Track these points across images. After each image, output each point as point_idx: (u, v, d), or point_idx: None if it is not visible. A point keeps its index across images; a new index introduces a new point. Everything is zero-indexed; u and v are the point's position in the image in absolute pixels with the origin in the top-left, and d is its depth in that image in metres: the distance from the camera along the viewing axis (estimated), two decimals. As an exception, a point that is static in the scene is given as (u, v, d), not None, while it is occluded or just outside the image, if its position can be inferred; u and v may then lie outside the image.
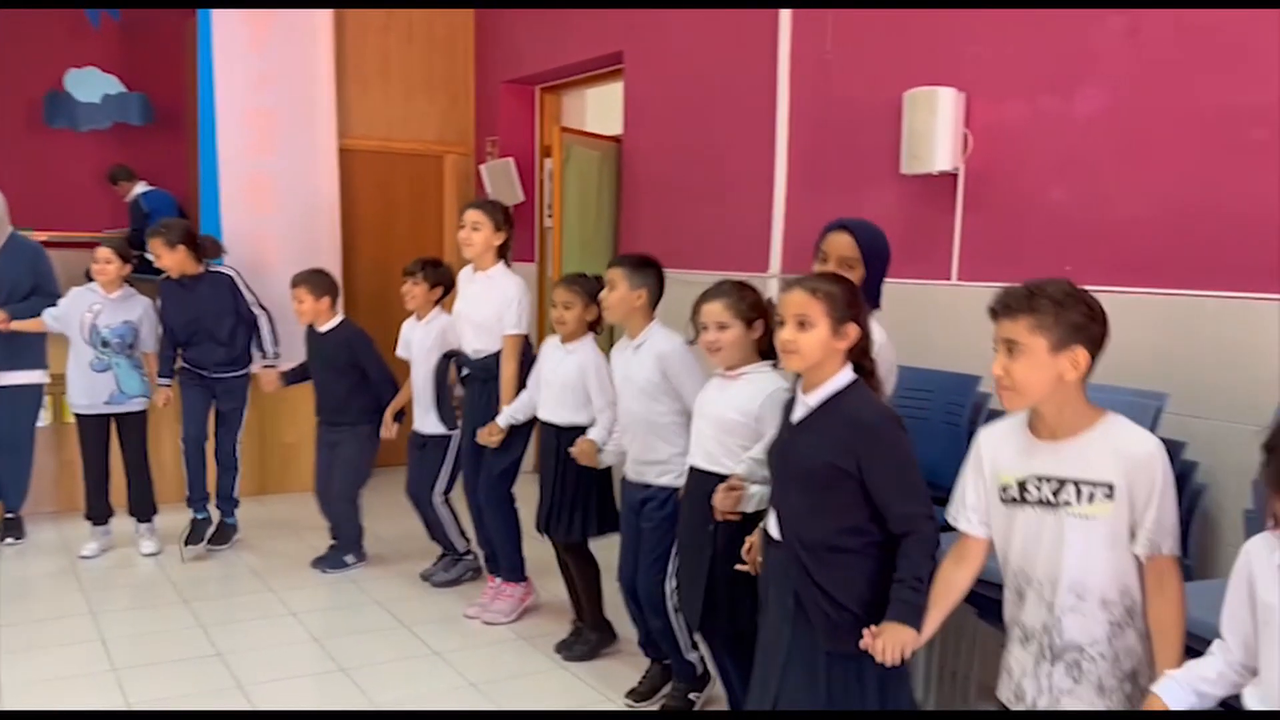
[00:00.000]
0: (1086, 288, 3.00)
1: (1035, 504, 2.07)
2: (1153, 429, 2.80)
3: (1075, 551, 2.01)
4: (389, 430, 4.70)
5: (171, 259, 4.77)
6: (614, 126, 5.94)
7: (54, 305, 4.85)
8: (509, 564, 4.22)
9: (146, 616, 4.22)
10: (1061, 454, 2.03)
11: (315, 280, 4.70)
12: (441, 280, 4.52)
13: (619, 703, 3.47)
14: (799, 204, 4.58)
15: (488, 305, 4.13)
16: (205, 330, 4.84)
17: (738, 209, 4.87)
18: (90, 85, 8.01)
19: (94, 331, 4.76)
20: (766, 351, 2.87)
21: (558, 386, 3.76)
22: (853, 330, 2.27)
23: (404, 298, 4.55)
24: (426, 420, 4.51)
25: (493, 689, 3.57)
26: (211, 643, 3.92)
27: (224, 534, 5.02)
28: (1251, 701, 1.78)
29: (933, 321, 3.89)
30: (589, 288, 3.71)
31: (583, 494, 3.70)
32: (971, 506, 2.19)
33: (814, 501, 2.28)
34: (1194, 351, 3.04)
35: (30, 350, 5.02)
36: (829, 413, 2.28)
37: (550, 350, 3.84)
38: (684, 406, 3.22)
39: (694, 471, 2.95)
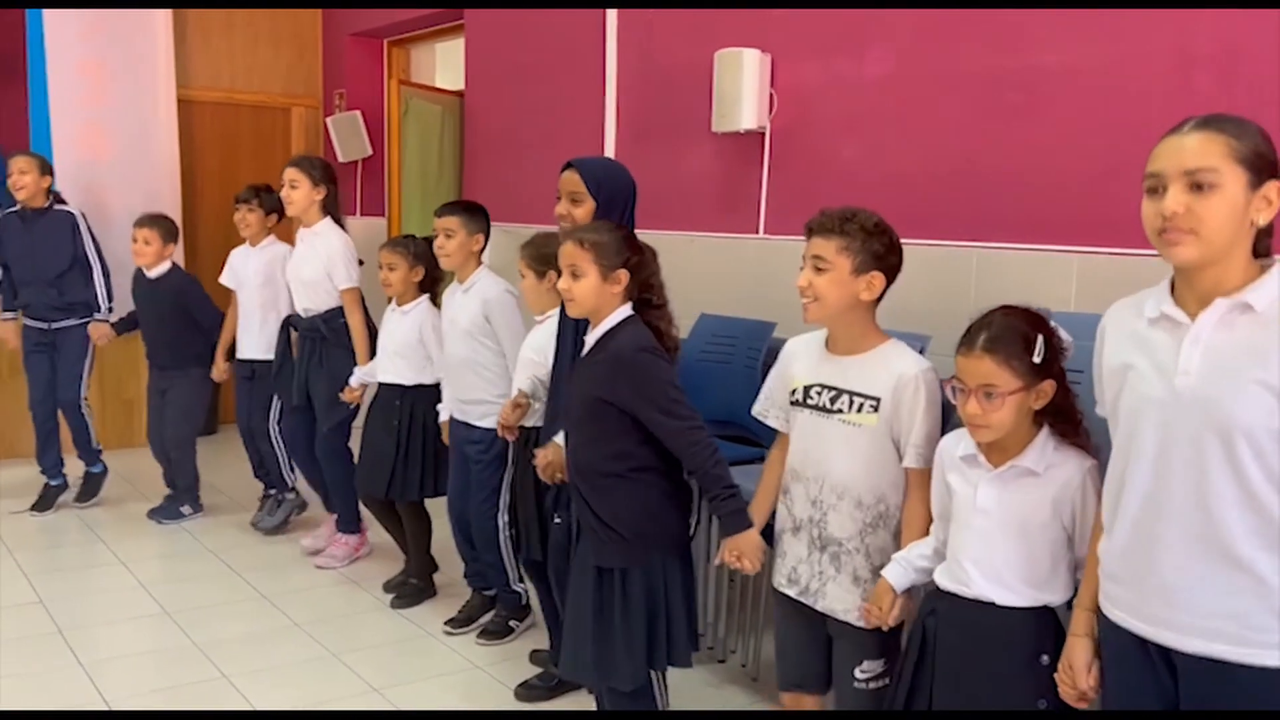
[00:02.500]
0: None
1: (813, 409, 2.30)
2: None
3: (840, 455, 2.25)
4: (220, 372, 4.70)
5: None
6: (461, 81, 5.99)
7: None
8: (346, 515, 4.33)
9: (-30, 568, 4.21)
10: (844, 367, 2.27)
11: (164, 225, 4.66)
12: (276, 207, 4.49)
13: (437, 633, 3.64)
14: (627, 159, 4.71)
15: (314, 262, 4.19)
16: (39, 268, 4.73)
17: (570, 164, 5.00)
18: (-83, 29, 7.67)
19: None
20: None
21: (394, 348, 3.86)
22: (623, 275, 2.42)
23: (238, 227, 4.58)
24: (256, 347, 4.50)
25: (317, 628, 3.69)
26: (34, 590, 3.94)
27: (93, 485, 4.98)
28: (942, 579, 2.06)
29: (742, 272, 4.12)
30: (413, 248, 3.82)
31: (429, 453, 3.81)
32: (774, 403, 2.45)
33: (587, 432, 2.46)
34: (956, 297, 3.32)
35: None
36: (601, 349, 2.45)
37: (389, 314, 3.95)
38: (503, 350, 3.41)
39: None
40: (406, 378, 3.83)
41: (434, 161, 6.07)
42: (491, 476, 3.46)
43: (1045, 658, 1.92)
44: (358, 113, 6.59)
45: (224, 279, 4.67)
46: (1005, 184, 3.27)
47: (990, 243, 3.29)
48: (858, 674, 2.27)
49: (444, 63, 6.96)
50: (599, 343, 2.46)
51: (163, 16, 6.09)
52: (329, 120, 6.71)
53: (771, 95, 3.96)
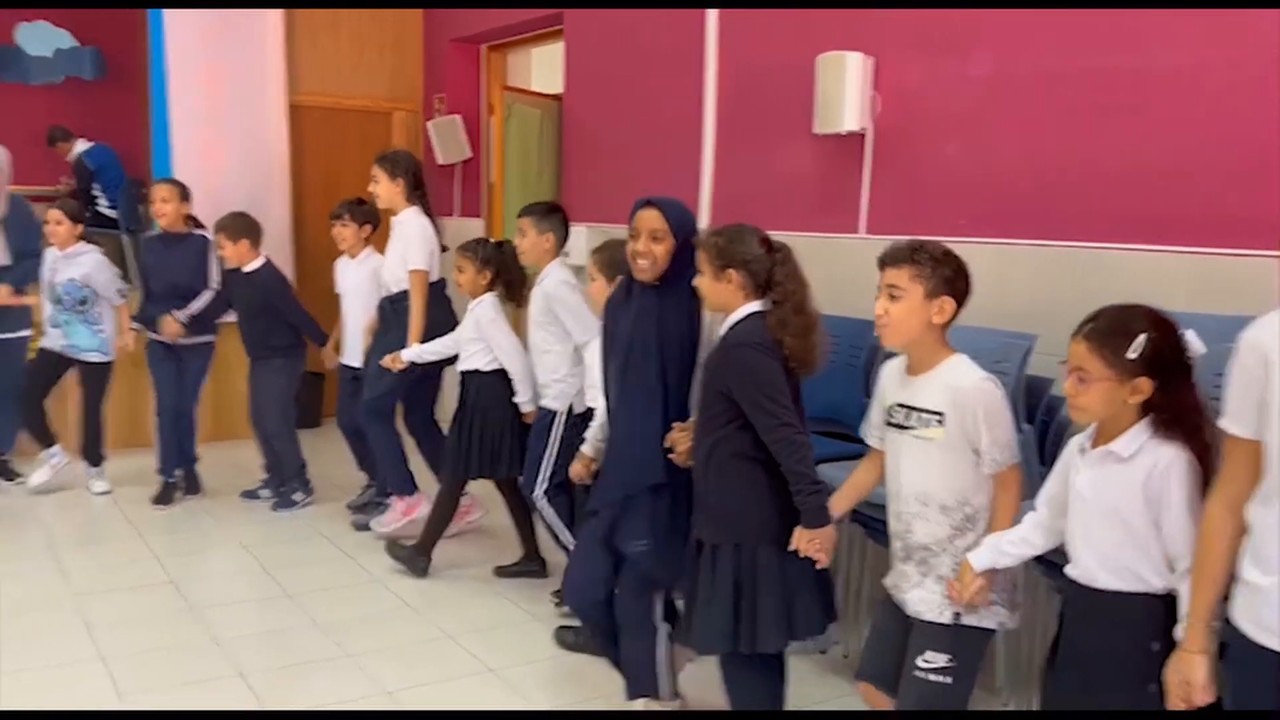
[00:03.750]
0: (979, 240, 3.31)
1: (895, 427, 2.43)
2: (1022, 367, 3.14)
3: (917, 468, 2.37)
4: (330, 359, 5.01)
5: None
6: (558, 85, 6.14)
7: (36, 267, 5.06)
8: (398, 478, 4.59)
9: (103, 549, 4.45)
10: (915, 386, 2.39)
11: (230, 225, 4.88)
12: (368, 219, 4.81)
13: (544, 615, 3.76)
14: (725, 161, 4.83)
15: (394, 245, 4.52)
16: (172, 289, 4.99)
17: (669, 166, 5.11)
18: (42, 39, 8.06)
19: (51, 288, 4.99)
20: None
21: (462, 338, 4.17)
22: (733, 275, 2.56)
23: (335, 241, 4.86)
24: (358, 354, 4.78)
25: (431, 610, 3.86)
26: (165, 571, 4.17)
27: (195, 483, 5.23)
28: (1068, 566, 2.14)
29: (842, 272, 4.16)
30: (481, 252, 4.12)
31: (488, 435, 4.06)
32: (873, 424, 2.56)
33: (703, 416, 2.63)
34: (1063, 297, 3.35)
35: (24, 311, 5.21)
36: (722, 341, 2.61)
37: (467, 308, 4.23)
38: (569, 337, 3.70)
39: None
40: (467, 364, 4.11)
41: (533, 164, 6.22)
42: (536, 446, 3.78)
43: (1156, 645, 1.97)
44: (457, 117, 6.77)
45: (338, 287, 4.96)
46: (1113, 184, 3.29)
47: (1097, 242, 3.31)
48: (919, 662, 2.35)
49: (539, 67, 7.12)
50: (723, 336, 2.61)
51: (275, 22, 6.35)
52: (430, 124, 6.90)
53: (874, 96, 4.01)
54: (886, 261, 2.36)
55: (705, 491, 2.61)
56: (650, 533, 2.80)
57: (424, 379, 4.57)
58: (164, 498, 5.08)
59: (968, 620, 2.32)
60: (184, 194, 5.04)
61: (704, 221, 4.88)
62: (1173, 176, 3.13)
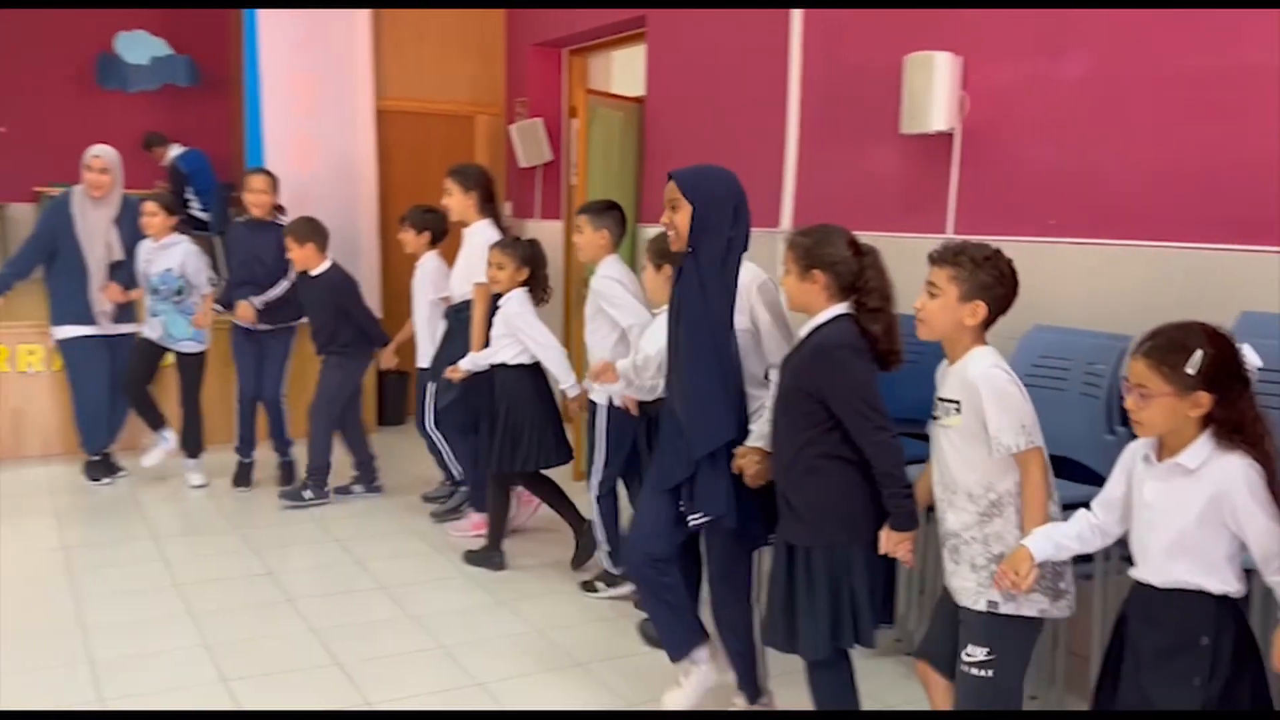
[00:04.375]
0: (1071, 240, 3.28)
1: (933, 418, 2.50)
2: (1116, 369, 3.11)
3: (944, 456, 2.45)
4: (388, 360, 5.23)
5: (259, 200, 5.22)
6: (637, 88, 6.19)
7: None
8: (476, 492, 4.71)
9: (203, 540, 4.61)
10: (946, 377, 2.47)
11: (297, 228, 5.01)
12: (430, 225, 4.97)
13: (613, 604, 3.81)
14: (809, 162, 4.84)
15: (462, 257, 4.64)
16: (255, 275, 5.18)
17: (752, 167, 5.08)
18: (139, 48, 8.36)
19: (147, 279, 5.19)
20: None
21: (493, 333, 4.31)
22: (818, 275, 2.59)
23: (401, 245, 5.05)
24: (425, 355, 4.93)
25: (521, 605, 3.94)
26: (263, 563, 4.30)
27: (288, 473, 5.39)
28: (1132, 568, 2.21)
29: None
30: (520, 250, 4.25)
31: (508, 426, 4.18)
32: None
33: (786, 418, 2.64)
34: (1157, 298, 3.30)
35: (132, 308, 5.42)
36: (807, 343, 2.63)
37: None
38: (617, 328, 3.84)
39: None
40: (495, 359, 4.25)
41: (614, 166, 6.27)
42: (588, 440, 3.94)
43: (1205, 640, 2.05)
44: (539, 120, 6.86)
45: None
46: (1209, 184, 3.23)
47: (1192, 243, 3.26)
48: (963, 655, 2.40)
49: (620, 70, 7.18)
50: (807, 336, 2.63)
51: (363, 30, 6.51)
52: (512, 128, 7.01)
53: (963, 96, 3.99)
54: (933, 259, 2.44)
55: (792, 494, 2.61)
56: (728, 498, 2.79)
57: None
58: (240, 479, 5.31)
59: (1005, 609, 2.33)
60: (275, 185, 5.26)
61: (787, 223, 4.90)
62: (1271, 176, 3.07)
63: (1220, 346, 2.05)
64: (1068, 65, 3.66)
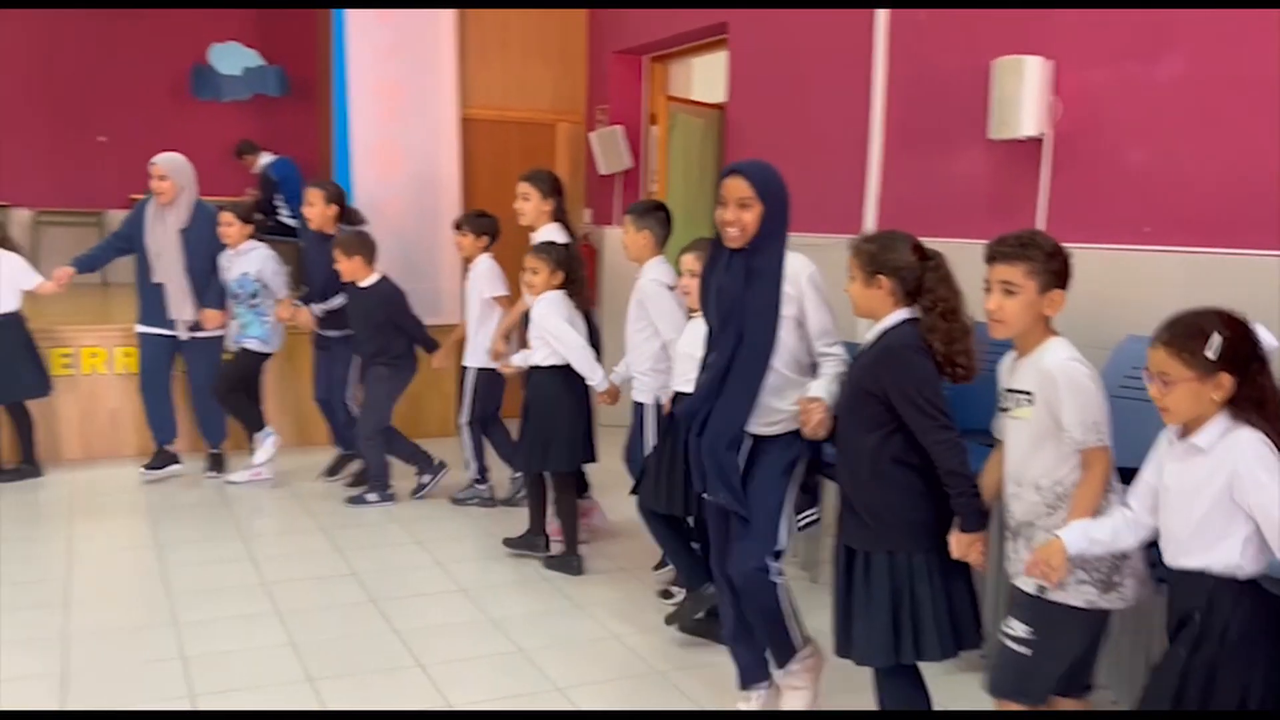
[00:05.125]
0: (1166, 248, 3.16)
1: (1002, 411, 2.52)
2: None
3: (1013, 447, 2.47)
4: (439, 361, 5.36)
5: (319, 215, 5.36)
6: (718, 94, 6.18)
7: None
8: None
9: (290, 540, 4.72)
10: (1016, 370, 2.48)
11: (344, 242, 5.14)
12: (485, 230, 5.07)
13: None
14: (893, 168, 4.78)
15: None
16: (321, 285, 5.35)
17: (834, 173, 5.08)
18: (232, 59, 8.62)
19: (227, 286, 5.38)
20: None
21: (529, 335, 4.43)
22: (883, 281, 2.60)
23: (457, 249, 5.18)
24: (474, 356, 5.03)
25: (598, 610, 3.94)
26: (348, 563, 4.38)
27: (361, 472, 5.50)
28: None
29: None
30: (555, 254, 4.32)
31: (535, 428, 4.31)
32: (997, 415, 2.59)
33: (850, 421, 2.64)
34: (1259, 306, 3.18)
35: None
36: (874, 346, 2.63)
37: None
38: (657, 333, 3.90)
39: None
40: (531, 360, 4.36)
41: (694, 173, 6.28)
42: (634, 443, 4.03)
43: (1197, 615, 2.12)
44: (620, 127, 6.89)
45: None
46: (1320, 189, 3.11)
47: (1302, 251, 3.14)
48: (1004, 626, 2.44)
49: (700, 77, 7.18)
50: (873, 340, 2.64)
51: (449, 36, 6.60)
52: (592, 135, 7.04)
53: (1054, 101, 3.90)
54: (997, 257, 2.43)
55: (855, 498, 2.61)
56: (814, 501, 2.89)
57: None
58: (330, 469, 5.59)
59: (1051, 595, 2.34)
60: (329, 197, 5.37)
61: (870, 227, 4.84)
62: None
63: (1236, 329, 2.10)
64: (1163, 68, 3.56)
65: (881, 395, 2.52)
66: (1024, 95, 3.88)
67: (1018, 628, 2.39)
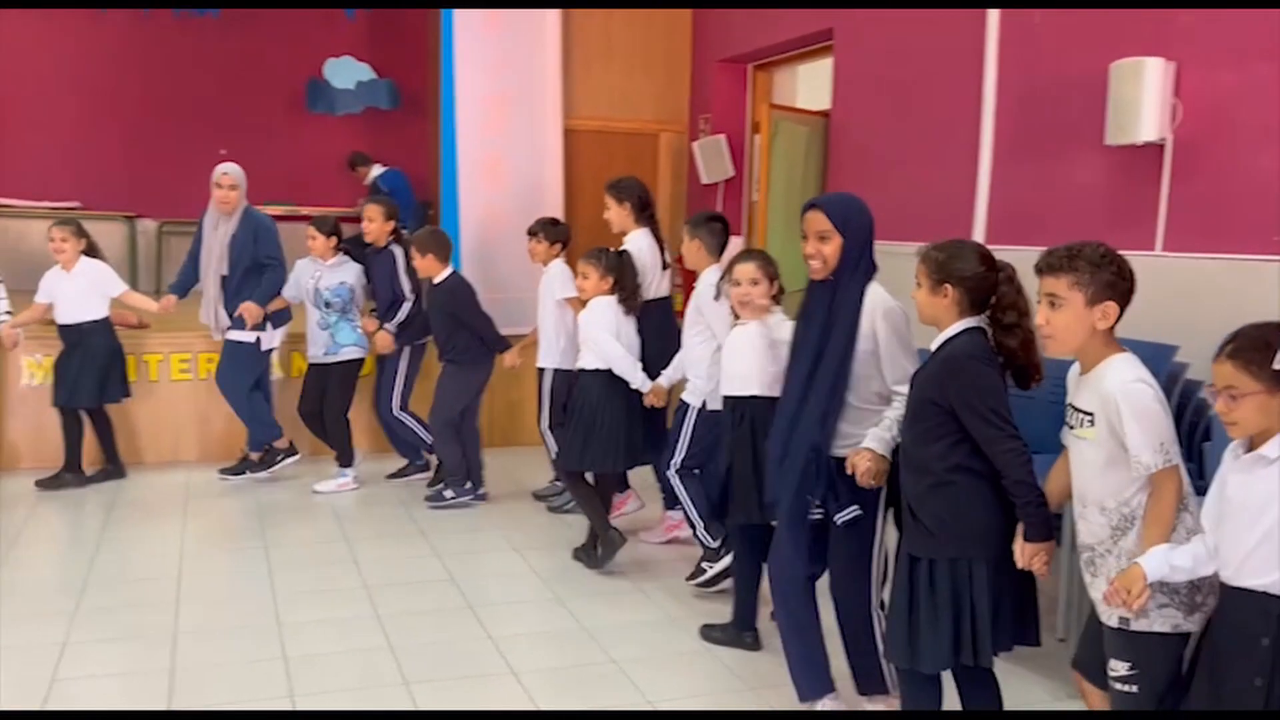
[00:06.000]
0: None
1: (1067, 426, 2.46)
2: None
3: (1079, 467, 2.41)
4: (511, 360, 5.41)
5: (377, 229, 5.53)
6: (822, 101, 6.10)
7: (275, 273, 5.53)
8: (670, 496, 4.72)
9: (392, 544, 4.78)
10: (1080, 387, 2.41)
11: (419, 239, 5.27)
12: (558, 237, 5.22)
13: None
14: (1004, 175, 4.64)
15: None
16: (375, 298, 5.56)
17: (942, 180, 4.96)
18: (345, 73, 8.86)
19: (317, 295, 5.52)
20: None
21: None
22: (948, 290, 2.56)
23: (530, 254, 5.29)
24: (548, 358, 5.13)
25: (693, 623, 3.89)
26: (446, 569, 4.43)
27: (439, 472, 5.63)
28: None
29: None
30: (605, 260, 4.41)
31: (579, 427, 4.38)
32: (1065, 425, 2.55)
33: (914, 430, 2.63)
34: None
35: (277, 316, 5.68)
36: (936, 355, 2.61)
37: None
38: (712, 338, 3.93)
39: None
40: (579, 363, 4.45)
41: (797, 181, 6.20)
42: (673, 433, 4.14)
43: (1265, 641, 2.03)
44: (722, 136, 6.86)
45: None
46: None
47: None
48: (1109, 669, 2.36)
49: (805, 84, 7.10)
50: (936, 349, 2.62)
51: (554, 49, 6.67)
52: (695, 144, 7.03)
53: (1175, 105, 3.73)
54: (1043, 269, 2.37)
55: (918, 506, 2.60)
56: (855, 495, 2.89)
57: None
58: (398, 472, 5.80)
59: (1135, 625, 2.29)
60: (388, 214, 5.52)
61: (979, 236, 4.70)
62: None
63: None
64: (1297, 68, 3.37)
65: (945, 404, 2.51)
66: (1144, 99, 3.74)
67: (1120, 667, 2.33)
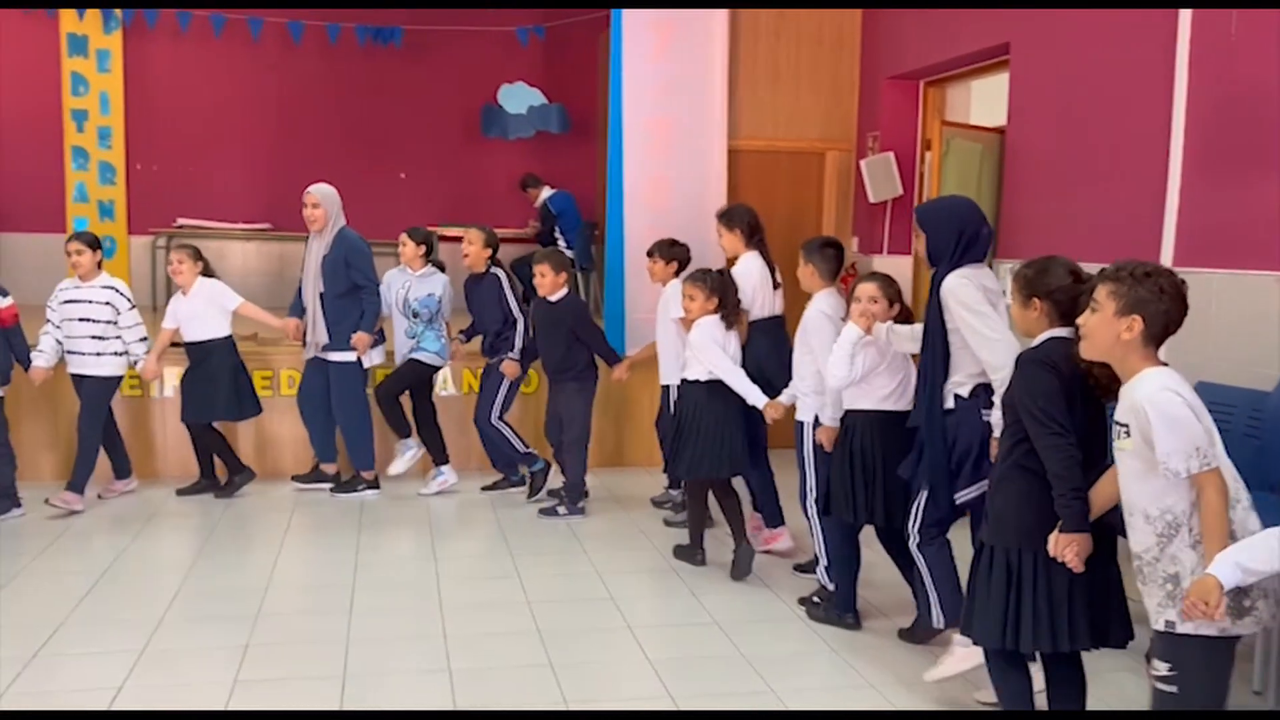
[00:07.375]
0: None
1: (1114, 440, 2.53)
2: None
3: (1123, 475, 2.49)
4: (621, 373, 5.59)
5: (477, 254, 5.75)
6: (997, 118, 5.89)
7: (372, 297, 5.64)
8: (768, 509, 5.02)
9: (553, 561, 4.86)
10: (1120, 400, 2.49)
11: (553, 257, 5.45)
12: (676, 257, 5.35)
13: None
14: (1195, 192, 4.36)
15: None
16: (481, 320, 5.77)
17: (1127, 198, 4.71)
18: (518, 98, 9.12)
19: (406, 304, 5.80)
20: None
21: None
22: (1037, 303, 2.81)
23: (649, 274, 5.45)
24: (668, 374, 5.23)
25: (852, 655, 3.80)
26: (607, 588, 4.46)
27: (536, 481, 5.81)
28: None
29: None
30: (710, 281, 4.59)
31: (683, 436, 4.63)
32: None
33: (1002, 427, 2.88)
34: None
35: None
36: (1016, 362, 2.86)
37: None
38: (815, 358, 4.10)
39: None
40: (685, 374, 4.66)
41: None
42: (798, 458, 4.28)
43: None
44: (891, 154, 6.71)
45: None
46: None
47: None
48: (1150, 668, 2.42)
49: (980, 100, 6.88)
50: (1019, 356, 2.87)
51: (721, 71, 6.69)
52: (863, 162, 6.90)
53: (1393, 114, 3.44)
54: (1101, 276, 2.50)
55: (990, 497, 2.88)
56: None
57: None
58: (530, 489, 5.84)
59: (1182, 628, 2.33)
60: (487, 240, 5.70)
61: (1167, 258, 4.43)
62: None
63: None
64: None
65: (1013, 406, 2.74)
66: (1356, 109, 3.45)
67: (1161, 667, 2.39)
